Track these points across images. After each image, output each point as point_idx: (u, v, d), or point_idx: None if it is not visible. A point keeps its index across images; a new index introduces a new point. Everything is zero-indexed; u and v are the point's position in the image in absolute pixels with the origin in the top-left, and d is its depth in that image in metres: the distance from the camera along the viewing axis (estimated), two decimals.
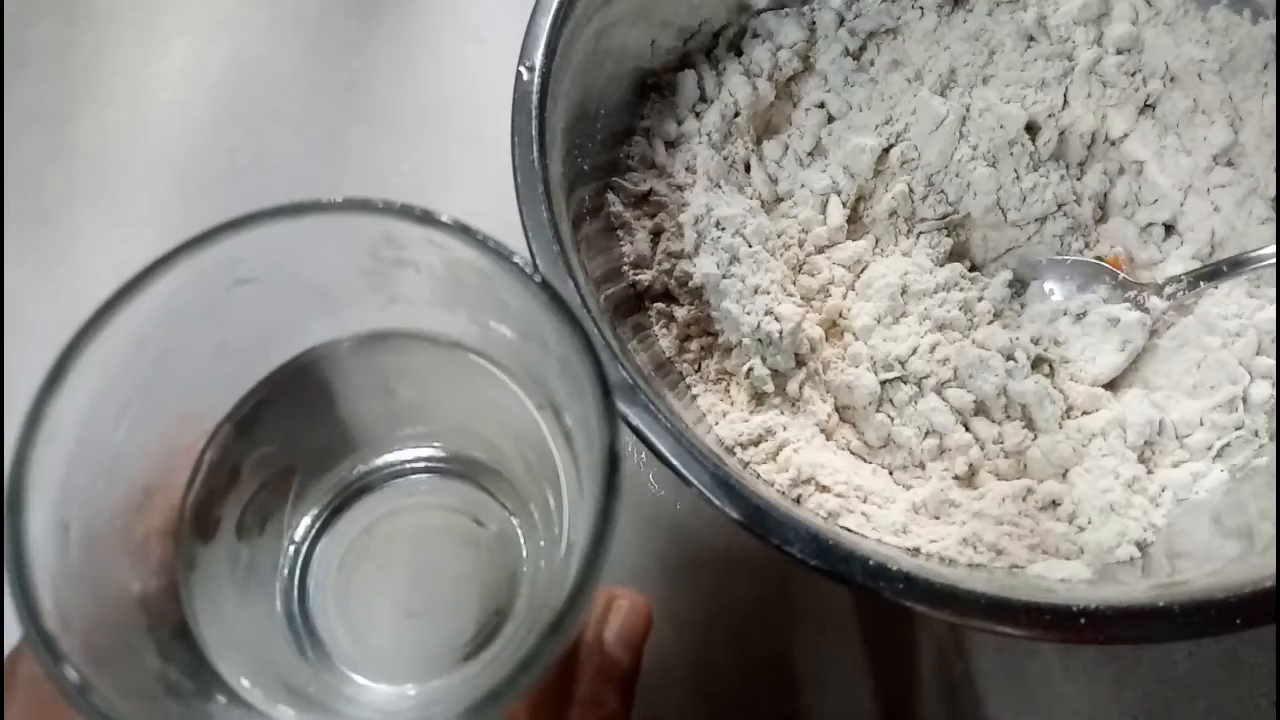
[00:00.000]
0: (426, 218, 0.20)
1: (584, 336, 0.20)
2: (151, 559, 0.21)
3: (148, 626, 0.21)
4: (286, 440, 0.25)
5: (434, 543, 0.28)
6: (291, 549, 0.26)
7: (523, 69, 0.36)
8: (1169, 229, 0.44)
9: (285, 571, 0.26)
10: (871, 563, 0.29)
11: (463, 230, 0.20)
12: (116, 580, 0.20)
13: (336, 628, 0.26)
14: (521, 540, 0.27)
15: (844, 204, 0.44)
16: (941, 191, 0.44)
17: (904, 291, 0.41)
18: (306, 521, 0.26)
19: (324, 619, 0.26)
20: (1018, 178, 0.43)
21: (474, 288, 0.22)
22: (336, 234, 0.21)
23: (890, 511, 0.37)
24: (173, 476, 0.23)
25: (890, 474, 0.39)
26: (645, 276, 0.41)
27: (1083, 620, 0.29)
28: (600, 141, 0.42)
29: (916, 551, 0.35)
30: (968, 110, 0.43)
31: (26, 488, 0.18)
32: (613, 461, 0.19)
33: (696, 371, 0.41)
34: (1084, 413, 0.40)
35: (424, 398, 0.27)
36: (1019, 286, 0.43)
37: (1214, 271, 0.40)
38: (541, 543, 0.26)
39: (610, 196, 0.42)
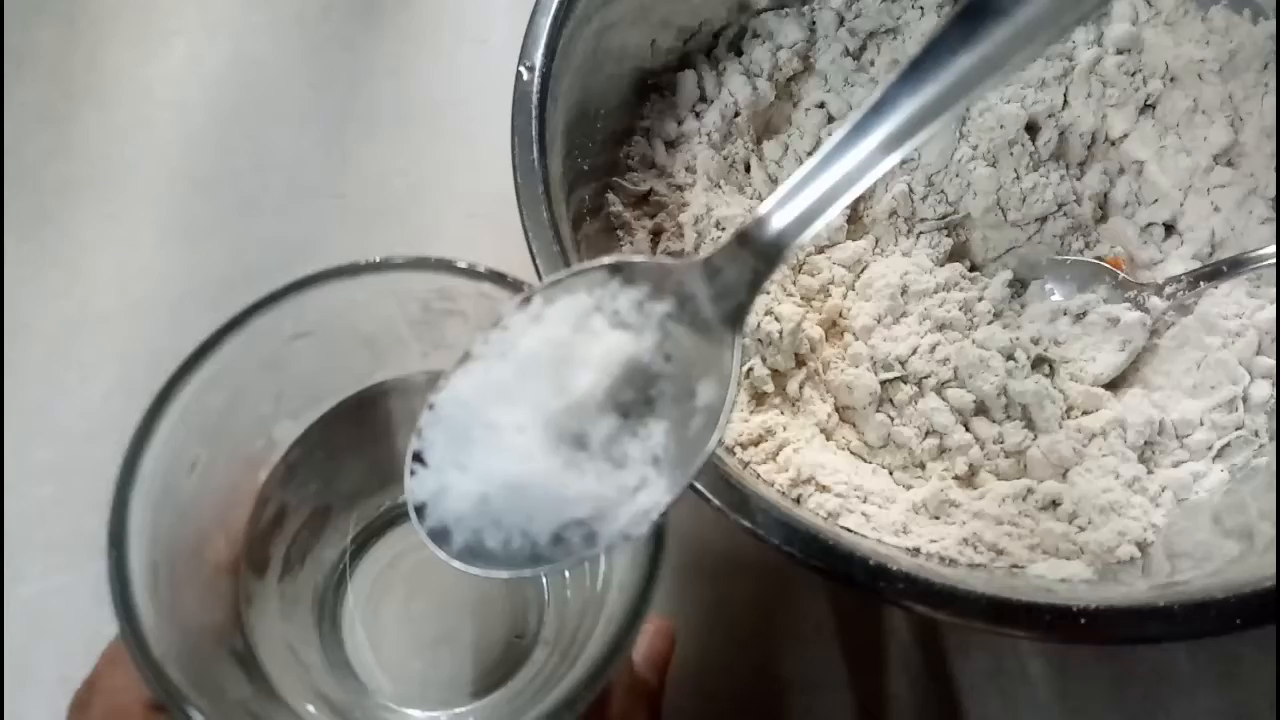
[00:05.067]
0: (481, 274, 0.21)
1: None
2: (218, 595, 0.23)
3: (226, 659, 0.22)
4: (325, 480, 0.27)
5: (455, 574, 0.29)
6: (322, 581, 0.27)
7: (523, 69, 0.36)
8: (1169, 229, 0.44)
9: (316, 605, 0.27)
10: (871, 563, 0.29)
11: (515, 285, 0.21)
12: (196, 616, 0.22)
13: (366, 657, 0.27)
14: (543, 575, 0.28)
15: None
16: (941, 191, 0.44)
17: (904, 291, 0.41)
18: (334, 556, 0.27)
19: (354, 649, 0.27)
20: (1018, 178, 0.43)
21: None
22: (394, 289, 0.22)
23: (890, 511, 0.37)
24: (232, 516, 0.24)
25: (890, 474, 0.39)
26: None
27: (1083, 620, 0.29)
28: (600, 141, 0.42)
29: (916, 551, 0.35)
30: (968, 110, 0.43)
31: (127, 532, 0.19)
32: (658, 530, 0.20)
33: None
34: (1084, 413, 0.40)
35: None
36: (1019, 286, 0.43)
37: (1214, 271, 0.40)
38: (567, 574, 0.27)
39: (610, 196, 0.42)
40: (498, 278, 0.21)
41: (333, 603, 0.27)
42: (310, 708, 0.23)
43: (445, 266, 0.21)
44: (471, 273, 0.21)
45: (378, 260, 0.21)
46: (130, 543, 0.19)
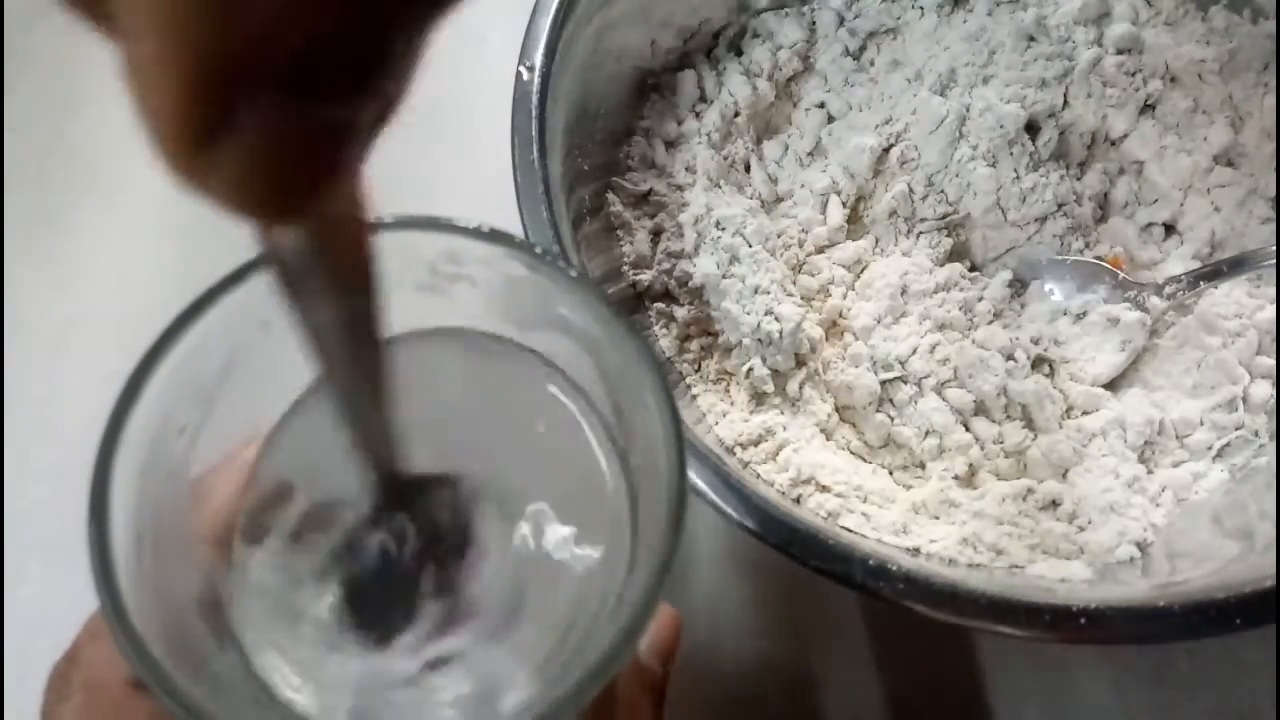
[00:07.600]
0: (488, 235, 0.20)
1: (648, 354, 0.20)
2: (206, 569, 0.22)
3: (210, 636, 0.21)
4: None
5: None
6: (320, 559, 0.27)
7: (523, 69, 0.36)
8: (1169, 229, 0.44)
9: (315, 583, 0.26)
10: (871, 563, 0.29)
11: (524, 246, 0.20)
12: (182, 590, 0.21)
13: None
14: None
15: (844, 204, 0.44)
16: (941, 191, 0.44)
17: (904, 291, 0.41)
18: (335, 532, 0.27)
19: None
20: (1018, 178, 0.43)
21: (530, 302, 0.22)
22: (398, 250, 0.21)
23: (890, 511, 0.37)
24: (224, 486, 0.23)
25: (890, 474, 0.39)
26: (645, 276, 0.41)
27: (1083, 620, 0.29)
28: (600, 141, 0.42)
29: (916, 551, 0.35)
30: (968, 110, 0.43)
31: (110, 500, 0.18)
32: (680, 499, 0.19)
33: (696, 371, 0.41)
34: (1084, 413, 0.40)
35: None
36: (1019, 286, 0.43)
37: (1214, 271, 0.40)
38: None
39: (610, 196, 0.42)
40: (506, 239, 0.20)
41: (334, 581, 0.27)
42: (302, 685, 0.23)
43: (452, 226, 0.20)
44: (478, 233, 0.20)
45: (381, 219, 0.20)
46: (113, 512, 0.18)
